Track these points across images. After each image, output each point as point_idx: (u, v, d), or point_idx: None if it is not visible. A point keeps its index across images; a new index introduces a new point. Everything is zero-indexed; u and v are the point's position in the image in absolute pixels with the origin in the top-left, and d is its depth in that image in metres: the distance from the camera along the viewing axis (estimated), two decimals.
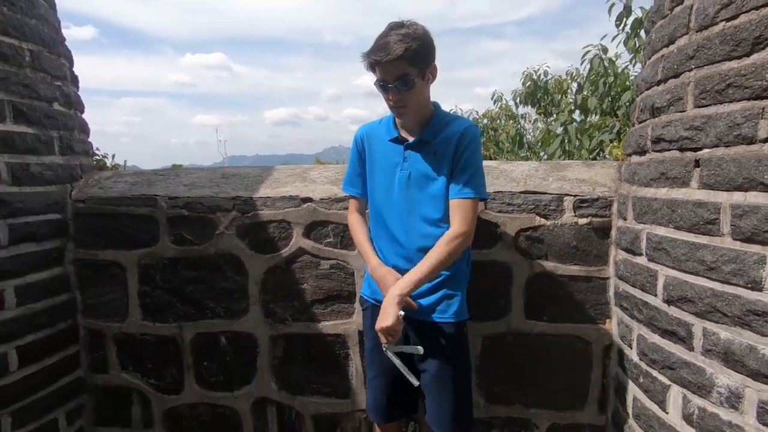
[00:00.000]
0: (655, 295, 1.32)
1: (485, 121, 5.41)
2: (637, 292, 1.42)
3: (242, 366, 1.78)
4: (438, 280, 1.34)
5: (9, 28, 1.61)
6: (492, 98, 5.77)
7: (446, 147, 1.31)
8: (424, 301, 1.35)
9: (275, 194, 1.73)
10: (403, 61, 1.20)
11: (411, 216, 1.34)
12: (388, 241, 1.39)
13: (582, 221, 1.58)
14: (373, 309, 1.43)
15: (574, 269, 1.60)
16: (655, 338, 1.32)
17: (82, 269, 1.80)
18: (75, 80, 2.07)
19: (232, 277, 1.75)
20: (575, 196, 1.59)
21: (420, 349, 1.30)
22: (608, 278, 1.59)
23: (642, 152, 1.46)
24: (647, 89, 1.46)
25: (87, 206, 1.79)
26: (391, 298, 1.24)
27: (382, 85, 1.26)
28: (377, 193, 1.41)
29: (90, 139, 2.28)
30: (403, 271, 1.33)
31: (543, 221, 1.60)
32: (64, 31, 2.01)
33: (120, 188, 1.83)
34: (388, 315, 1.22)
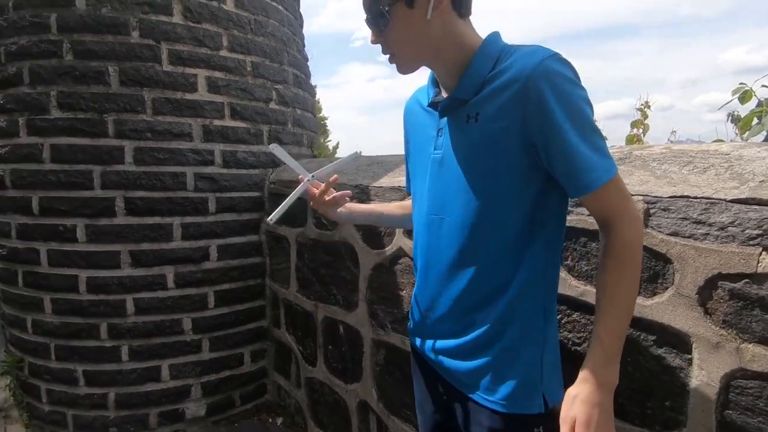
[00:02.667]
0: None
1: None
2: None
3: (354, 361, 1.71)
4: (477, 333, 0.80)
5: (236, 46, 2.08)
6: None
7: (500, 104, 0.73)
8: (458, 365, 0.84)
9: (387, 184, 1.54)
10: None
11: (440, 228, 0.83)
12: (419, 267, 0.91)
13: None
14: (420, 360, 0.96)
15: None
16: None
17: (270, 240, 2.17)
18: (300, 83, 2.49)
19: (349, 267, 1.69)
20: None
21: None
22: None
23: None
24: None
25: (275, 187, 2.12)
26: (593, 400, 0.67)
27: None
28: (413, 191, 0.95)
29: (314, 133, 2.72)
30: (430, 310, 0.87)
31: None
32: None
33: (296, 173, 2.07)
34: (592, 421, 0.66)
